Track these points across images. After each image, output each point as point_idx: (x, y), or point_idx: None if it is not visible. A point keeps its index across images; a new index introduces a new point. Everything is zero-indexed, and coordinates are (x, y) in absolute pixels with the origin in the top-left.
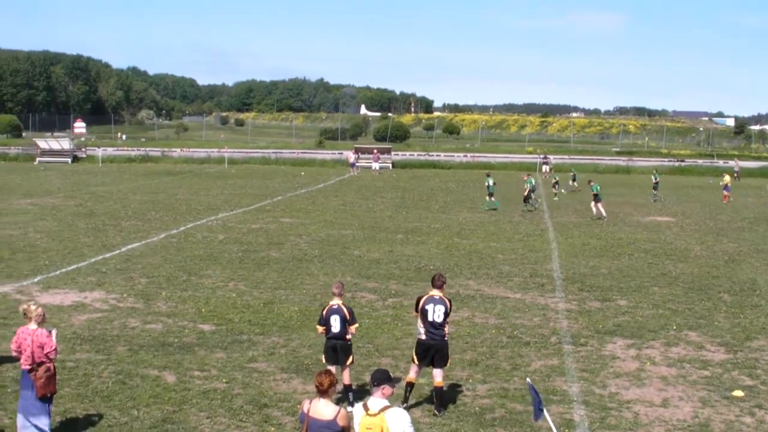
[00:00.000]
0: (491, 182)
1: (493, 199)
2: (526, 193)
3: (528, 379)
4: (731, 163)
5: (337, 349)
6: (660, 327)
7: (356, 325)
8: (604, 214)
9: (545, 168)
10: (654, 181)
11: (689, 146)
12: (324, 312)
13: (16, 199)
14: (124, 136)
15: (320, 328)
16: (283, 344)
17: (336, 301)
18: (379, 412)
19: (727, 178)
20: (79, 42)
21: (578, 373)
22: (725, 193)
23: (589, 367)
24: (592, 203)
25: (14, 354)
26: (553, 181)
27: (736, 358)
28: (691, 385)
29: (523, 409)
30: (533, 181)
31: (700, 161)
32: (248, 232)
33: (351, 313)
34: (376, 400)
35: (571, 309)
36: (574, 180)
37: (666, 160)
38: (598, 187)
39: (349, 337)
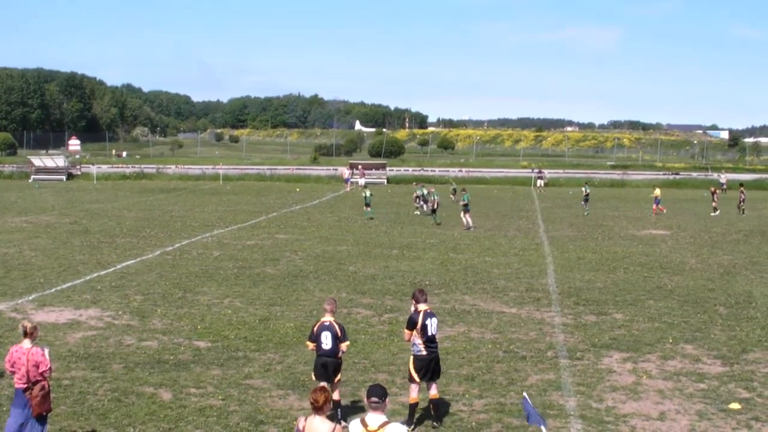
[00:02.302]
0: (368, 193)
1: (369, 209)
2: (434, 206)
3: (525, 394)
4: (721, 176)
5: (328, 366)
6: (656, 340)
7: (347, 342)
8: (471, 224)
9: (540, 182)
10: (584, 193)
11: (684, 159)
12: (315, 328)
13: (11, 216)
14: (124, 153)
15: (310, 345)
16: (279, 361)
17: (328, 318)
18: (378, 428)
19: (657, 191)
20: (73, 59)
21: (575, 387)
22: (654, 206)
23: (585, 381)
24: (461, 213)
25: (9, 372)
26: (418, 194)
27: (732, 370)
28: (687, 398)
29: (519, 424)
30: (437, 193)
31: (694, 174)
32: (243, 249)
33: (343, 330)
34: (375, 416)
35: (567, 323)
36: (453, 193)
37: (661, 173)
38: (468, 197)
39: (340, 355)
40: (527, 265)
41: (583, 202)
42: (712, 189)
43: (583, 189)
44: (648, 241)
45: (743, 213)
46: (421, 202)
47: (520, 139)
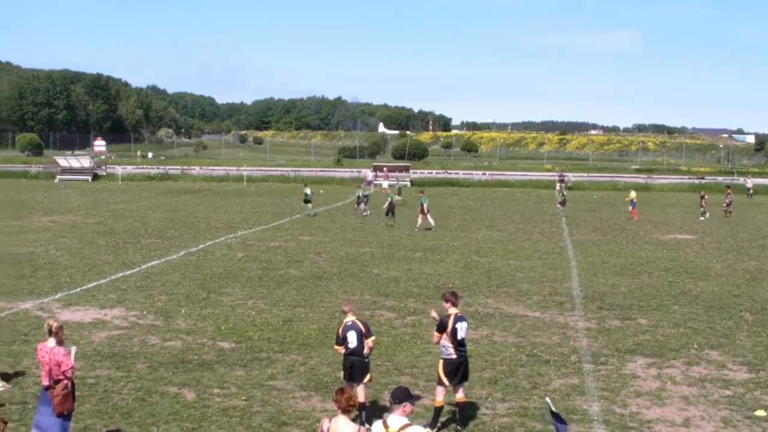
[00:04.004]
0: (308, 191)
1: (310, 205)
2: (386, 207)
3: (547, 398)
4: (747, 180)
5: (354, 366)
6: (681, 346)
7: (373, 338)
8: (432, 223)
9: (559, 186)
10: (562, 196)
11: (709, 163)
12: (340, 330)
13: (37, 216)
14: (150, 154)
15: (339, 348)
16: (303, 362)
17: (350, 318)
18: (399, 431)
19: (632, 194)
20: (98, 61)
21: (598, 392)
22: (631, 208)
23: (609, 386)
24: (420, 215)
25: None
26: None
27: (758, 377)
28: (712, 404)
29: (542, 429)
30: (393, 195)
31: (720, 178)
32: (267, 250)
33: (367, 327)
34: (397, 418)
35: (591, 327)
36: (399, 193)
37: (686, 177)
38: (426, 200)
39: (366, 352)
40: (551, 268)
41: (559, 205)
42: (702, 193)
43: (561, 192)
44: (673, 246)
45: (728, 215)
46: (361, 205)
47: (544, 143)
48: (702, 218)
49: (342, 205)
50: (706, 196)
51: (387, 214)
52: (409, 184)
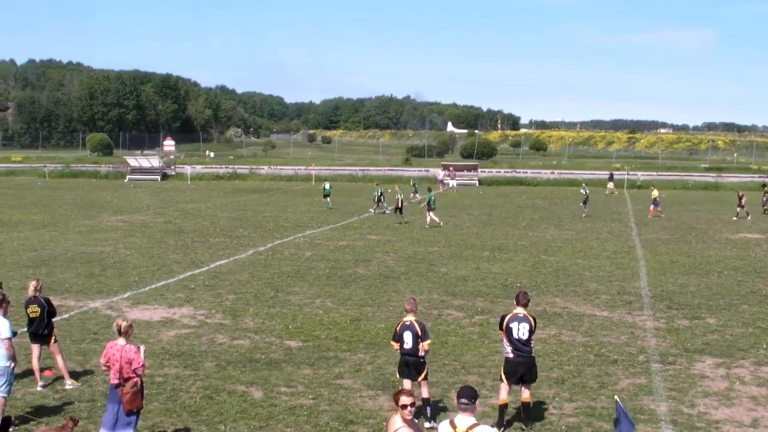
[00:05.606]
0: (327, 186)
1: (328, 199)
2: (399, 205)
3: (616, 397)
4: None
5: (409, 365)
6: (750, 346)
7: (429, 341)
8: (437, 221)
9: (610, 185)
10: (584, 194)
11: None
12: (398, 328)
13: (107, 216)
14: (212, 154)
15: (395, 344)
16: (370, 361)
17: (409, 318)
18: (467, 430)
19: (655, 192)
20: (168, 61)
21: (666, 392)
22: (652, 207)
23: (677, 386)
24: (427, 212)
25: (103, 368)
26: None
27: None
28: None
29: (610, 428)
30: (401, 192)
31: None
32: (335, 249)
33: (423, 329)
34: (464, 418)
35: (659, 327)
36: (415, 192)
37: (756, 176)
38: (433, 197)
39: (422, 354)
40: (619, 268)
41: (581, 204)
42: (740, 193)
43: (582, 190)
44: (742, 245)
45: (767, 213)
46: (376, 203)
47: (613, 141)
48: (735, 218)
49: (410, 204)
50: (744, 196)
51: (396, 211)
52: (477, 182)
